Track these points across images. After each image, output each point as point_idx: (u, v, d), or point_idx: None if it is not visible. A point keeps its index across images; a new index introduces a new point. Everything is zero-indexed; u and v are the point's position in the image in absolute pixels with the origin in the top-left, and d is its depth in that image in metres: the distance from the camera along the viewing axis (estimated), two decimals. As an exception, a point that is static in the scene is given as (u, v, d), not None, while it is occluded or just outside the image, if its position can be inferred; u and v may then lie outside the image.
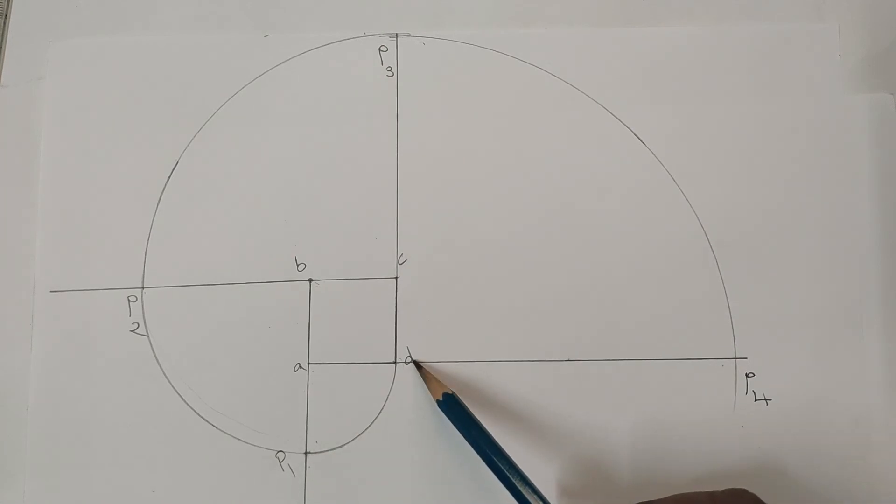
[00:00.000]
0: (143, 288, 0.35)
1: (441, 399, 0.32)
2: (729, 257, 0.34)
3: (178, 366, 0.34)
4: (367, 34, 0.37)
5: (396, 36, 0.37)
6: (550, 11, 0.37)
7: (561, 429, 0.33)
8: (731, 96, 0.36)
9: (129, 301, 0.35)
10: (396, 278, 0.34)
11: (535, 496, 0.29)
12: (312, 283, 0.34)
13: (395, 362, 0.34)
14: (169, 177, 0.36)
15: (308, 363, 0.34)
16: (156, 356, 0.34)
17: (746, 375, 0.33)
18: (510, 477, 0.29)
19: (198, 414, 0.34)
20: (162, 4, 0.37)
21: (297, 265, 0.35)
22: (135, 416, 0.34)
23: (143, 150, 0.36)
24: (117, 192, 0.36)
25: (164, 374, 0.34)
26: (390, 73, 0.36)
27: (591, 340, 0.34)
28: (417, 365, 0.33)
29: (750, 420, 0.33)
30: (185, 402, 0.34)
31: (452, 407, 0.31)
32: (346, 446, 0.33)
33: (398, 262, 0.35)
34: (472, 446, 0.30)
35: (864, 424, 0.33)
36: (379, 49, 0.36)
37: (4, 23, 0.37)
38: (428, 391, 0.32)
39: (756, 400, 0.33)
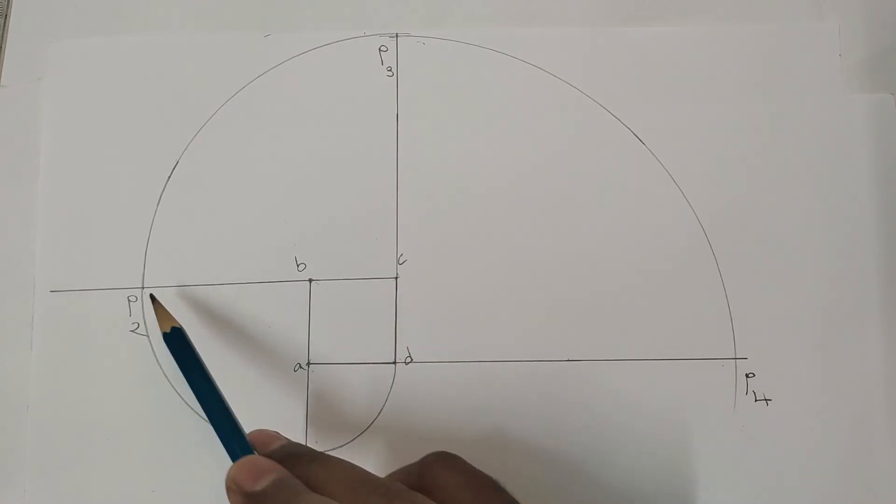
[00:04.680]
0: (143, 288, 0.35)
1: (168, 332, 0.32)
2: (729, 257, 0.34)
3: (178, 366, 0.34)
4: (367, 34, 0.37)
5: (396, 36, 0.37)
6: (550, 11, 0.37)
7: (560, 428, 0.33)
8: (731, 96, 0.36)
9: (129, 301, 0.35)
10: (396, 278, 0.34)
11: (240, 439, 0.29)
12: (312, 283, 0.34)
13: (394, 362, 0.34)
14: (169, 177, 0.36)
15: (308, 363, 0.34)
16: (156, 356, 0.34)
17: (746, 375, 0.33)
18: (219, 418, 0.30)
19: (198, 414, 0.34)
20: (162, 4, 0.37)
21: (297, 265, 0.35)
22: (135, 416, 0.34)
23: (143, 150, 0.36)
24: (117, 192, 0.36)
25: (165, 374, 0.34)
26: (390, 73, 0.36)
27: (591, 340, 0.34)
28: (153, 298, 0.33)
29: (750, 420, 0.33)
30: (185, 402, 0.34)
31: (177, 341, 0.32)
32: (346, 446, 0.33)
33: (398, 262, 0.35)
34: (189, 383, 0.31)
35: (864, 424, 0.33)
36: (379, 49, 0.36)
37: (4, 23, 0.37)
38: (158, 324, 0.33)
39: (756, 400, 0.33)
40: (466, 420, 0.33)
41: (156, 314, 0.33)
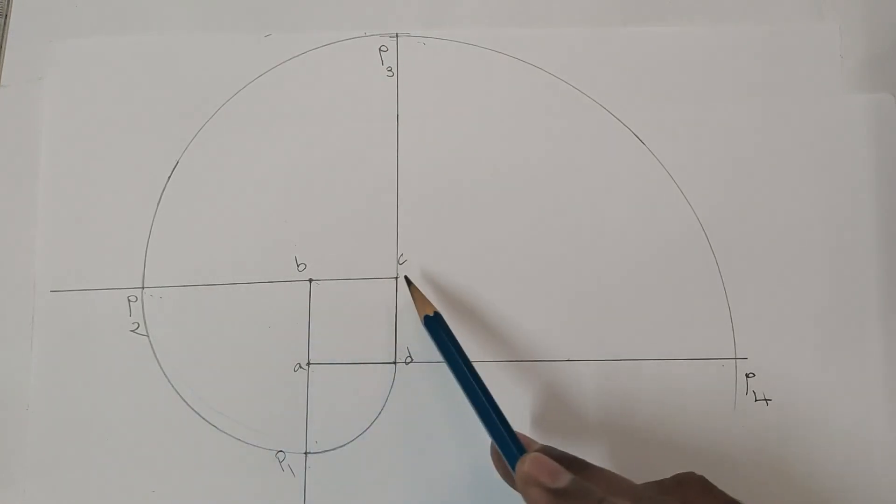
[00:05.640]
0: (143, 288, 0.35)
1: (430, 315, 0.32)
2: (729, 257, 0.34)
3: (178, 366, 0.34)
4: (367, 34, 0.37)
5: (396, 36, 0.37)
6: (550, 11, 0.37)
7: (560, 428, 0.33)
8: (731, 96, 0.36)
9: (129, 301, 0.35)
10: (396, 278, 0.34)
11: (504, 424, 0.29)
12: (312, 283, 0.34)
13: (395, 362, 0.34)
14: (169, 177, 0.36)
15: (308, 363, 0.34)
16: (156, 356, 0.34)
17: (746, 375, 0.33)
18: (485, 404, 0.30)
19: (198, 414, 0.34)
20: (162, 4, 0.37)
21: (297, 265, 0.35)
22: (135, 416, 0.34)
23: (143, 150, 0.36)
24: (117, 192, 0.36)
25: (165, 374, 0.34)
26: (390, 73, 0.36)
27: (590, 340, 0.34)
28: (408, 281, 0.33)
29: (750, 420, 0.33)
30: (185, 402, 0.34)
31: (436, 326, 0.31)
32: (346, 446, 0.33)
33: (398, 262, 0.35)
34: (450, 367, 0.31)
35: (864, 424, 0.33)
36: (379, 49, 0.36)
37: (4, 23, 0.37)
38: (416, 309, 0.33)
39: (756, 400, 0.33)
40: (466, 420, 0.33)
41: (413, 298, 0.32)
